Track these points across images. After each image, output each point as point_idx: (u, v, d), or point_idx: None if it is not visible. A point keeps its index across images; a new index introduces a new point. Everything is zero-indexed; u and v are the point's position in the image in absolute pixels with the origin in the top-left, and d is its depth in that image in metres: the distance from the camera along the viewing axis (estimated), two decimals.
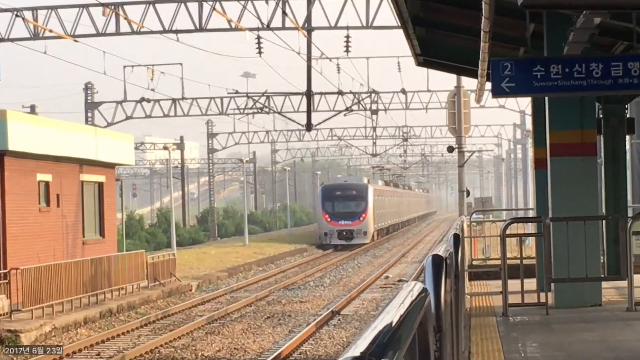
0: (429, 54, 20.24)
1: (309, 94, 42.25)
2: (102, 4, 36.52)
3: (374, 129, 72.70)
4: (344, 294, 33.52)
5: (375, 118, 64.46)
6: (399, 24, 17.53)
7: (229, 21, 37.24)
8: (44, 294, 25.96)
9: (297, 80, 51.40)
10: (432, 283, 4.11)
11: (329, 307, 29.81)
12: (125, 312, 29.31)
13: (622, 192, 19.41)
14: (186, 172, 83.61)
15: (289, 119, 54.63)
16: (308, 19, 38.79)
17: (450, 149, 38.35)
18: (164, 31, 38.28)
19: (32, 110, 49.27)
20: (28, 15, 38.48)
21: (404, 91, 60.73)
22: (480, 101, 28.77)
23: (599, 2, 10.76)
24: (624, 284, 13.99)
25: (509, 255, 14.75)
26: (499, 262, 15.93)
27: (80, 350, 22.53)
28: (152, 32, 38.42)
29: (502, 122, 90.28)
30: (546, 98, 14.49)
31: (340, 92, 53.39)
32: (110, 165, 37.13)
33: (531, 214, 22.42)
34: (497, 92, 13.27)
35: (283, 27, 37.80)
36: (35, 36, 39.03)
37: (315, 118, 46.26)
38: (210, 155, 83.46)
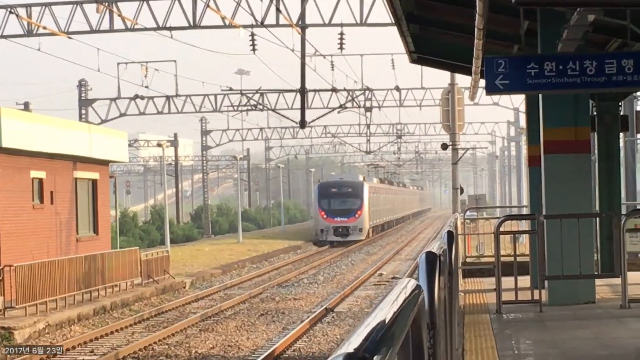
0: (423, 51, 20.24)
1: (302, 91, 42.19)
2: (96, 1, 36.47)
3: (368, 126, 72.79)
4: (337, 291, 33.53)
5: (369, 115, 64.54)
6: (393, 22, 17.53)
7: (223, 18, 37.22)
8: (37, 291, 25.93)
9: (291, 77, 51.33)
10: (425, 280, 4.10)
11: (322, 304, 29.81)
12: (119, 309, 29.29)
13: (616, 189, 19.44)
14: (180, 169, 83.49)
15: (283, 116, 54.63)
16: (302, 16, 38.76)
17: (444, 147, 38.33)
18: (158, 28, 38.23)
19: (26, 107, 49.08)
20: (22, 11, 38.42)
21: (397, 88, 60.79)
22: (474, 98, 28.83)
23: None
24: (617, 281, 14.00)
25: (502, 252, 14.75)
26: (492, 259, 15.95)
27: (73, 347, 22.51)
28: (146, 29, 38.37)
29: (496, 119, 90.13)
30: (540, 95, 14.50)
31: (334, 90, 53.37)
32: (104, 163, 37.09)
33: (525, 211, 22.41)
34: (491, 90, 13.26)
35: (277, 24, 37.73)
36: (29, 33, 38.95)
37: (309, 115, 46.19)
38: (204, 152, 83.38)
